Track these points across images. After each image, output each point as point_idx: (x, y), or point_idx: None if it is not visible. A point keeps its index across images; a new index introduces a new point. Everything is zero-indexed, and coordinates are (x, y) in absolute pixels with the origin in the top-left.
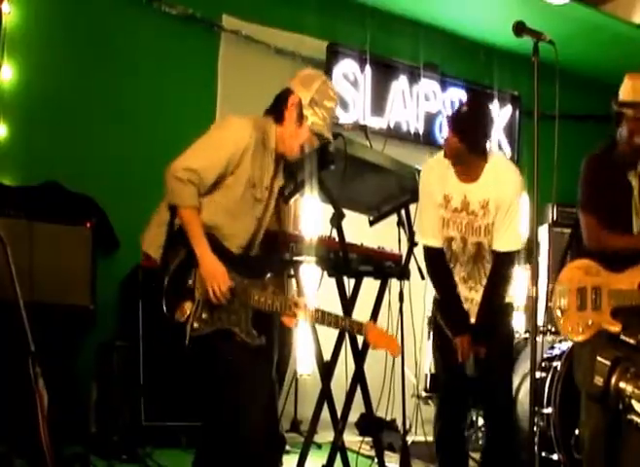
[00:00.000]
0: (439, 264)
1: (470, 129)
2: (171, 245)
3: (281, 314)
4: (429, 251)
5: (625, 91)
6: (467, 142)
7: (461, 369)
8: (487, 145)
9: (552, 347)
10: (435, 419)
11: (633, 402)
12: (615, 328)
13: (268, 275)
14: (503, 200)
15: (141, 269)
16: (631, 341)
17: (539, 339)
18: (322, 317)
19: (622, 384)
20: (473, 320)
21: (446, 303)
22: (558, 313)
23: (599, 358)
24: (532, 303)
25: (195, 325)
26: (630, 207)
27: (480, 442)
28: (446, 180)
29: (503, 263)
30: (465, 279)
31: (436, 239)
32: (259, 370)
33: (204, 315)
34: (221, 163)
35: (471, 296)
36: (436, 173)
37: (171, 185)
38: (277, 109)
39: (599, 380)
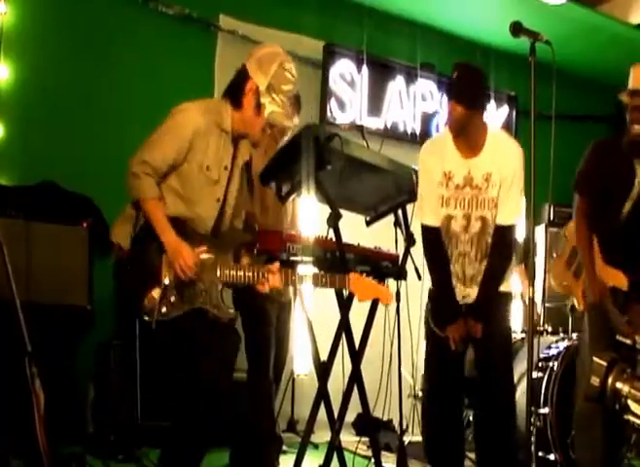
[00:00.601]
0: (436, 243)
1: (472, 93)
2: (140, 238)
3: (254, 284)
4: (427, 230)
5: (632, 81)
6: (472, 107)
7: (454, 368)
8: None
9: (549, 347)
10: (424, 421)
11: (630, 402)
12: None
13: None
14: (506, 173)
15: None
16: (628, 342)
17: (536, 338)
18: (299, 279)
19: (618, 385)
20: (464, 299)
21: (440, 286)
22: (554, 254)
23: (595, 359)
24: (529, 303)
25: (164, 309)
26: (628, 193)
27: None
28: (447, 157)
29: (504, 236)
30: (465, 255)
31: (435, 218)
32: (225, 345)
33: (173, 298)
34: (172, 151)
35: (468, 270)
36: (435, 152)
37: (129, 182)
38: (234, 94)
39: (596, 381)
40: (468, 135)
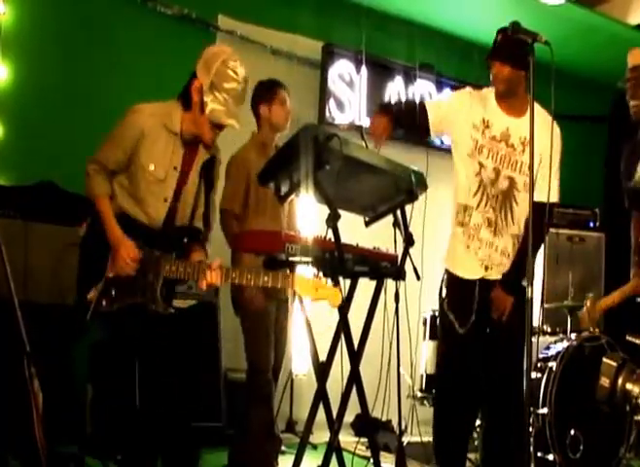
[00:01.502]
0: None
1: (519, 52)
2: (89, 233)
3: (196, 280)
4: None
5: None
6: (519, 66)
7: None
8: None
9: (548, 348)
10: (436, 425)
11: None
12: None
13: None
14: (545, 148)
15: None
16: (637, 342)
17: (534, 339)
18: (240, 276)
19: (628, 386)
20: (492, 269)
21: None
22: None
23: (605, 359)
24: (528, 303)
25: (104, 302)
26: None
27: (476, 442)
28: (489, 107)
29: (541, 214)
30: (490, 221)
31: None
32: (162, 338)
33: (113, 292)
34: (119, 150)
35: (495, 241)
36: (477, 98)
37: (85, 181)
38: (185, 95)
39: (605, 382)
40: (513, 96)
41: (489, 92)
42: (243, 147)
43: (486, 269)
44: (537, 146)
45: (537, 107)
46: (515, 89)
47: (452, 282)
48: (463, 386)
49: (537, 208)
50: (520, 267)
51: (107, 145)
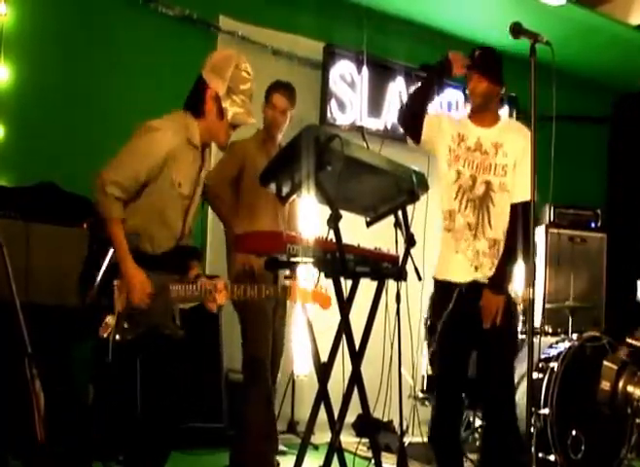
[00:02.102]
0: None
1: (497, 69)
2: (94, 255)
3: (203, 302)
4: None
5: None
6: (496, 82)
7: (457, 367)
8: None
9: (550, 348)
10: (433, 419)
11: None
12: None
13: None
14: (518, 149)
15: None
16: (638, 344)
17: (536, 339)
18: (244, 292)
19: (629, 388)
20: (476, 271)
21: None
22: None
23: (606, 362)
24: (529, 304)
25: (118, 337)
26: None
27: (478, 442)
28: (462, 123)
29: (519, 214)
30: (470, 225)
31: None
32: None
33: (125, 325)
34: (144, 170)
35: (475, 245)
36: (452, 117)
37: (99, 197)
38: (195, 104)
39: (606, 385)
40: (486, 110)
41: (461, 115)
42: (245, 138)
43: (476, 269)
44: (512, 150)
45: (507, 118)
46: (489, 104)
47: (441, 292)
48: (447, 383)
49: (517, 210)
50: (506, 268)
51: (128, 164)
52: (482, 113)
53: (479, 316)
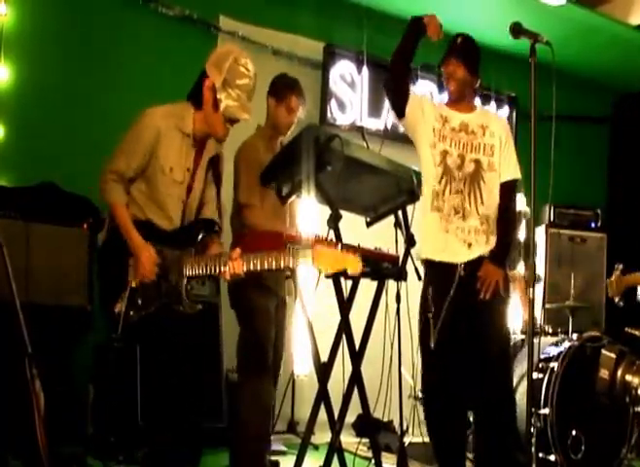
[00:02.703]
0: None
1: (475, 56)
2: (108, 242)
3: (218, 273)
4: None
5: None
6: (474, 72)
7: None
8: None
9: (550, 348)
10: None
11: None
12: None
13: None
14: (501, 131)
15: None
16: (637, 334)
17: (536, 339)
18: (260, 261)
19: (628, 377)
20: (469, 248)
21: None
22: None
23: (604, 351)
24: (529, 303)
25: (132, 313)
26: None
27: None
28: (443, 108)
29: (509, 193)
30: (457, 208)
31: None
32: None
33: (139, 300)
34: (135, 156)
35: (465, 226)
36: (431, 100)
37: (100, 186)
38: (196, 95)
39: (605, 374)
40: (462, 100)
41: (438, 102)
42: (250, 139)
43: (469, 246)
44: (497, 131)
45: (482, 107)
46: (464, 93)
47: (434, 273)
48: (447, 384)
49: (506, 189)
50: (506, 242)
51: (123, 152)
52: (459, 101)
53: (478, 306)
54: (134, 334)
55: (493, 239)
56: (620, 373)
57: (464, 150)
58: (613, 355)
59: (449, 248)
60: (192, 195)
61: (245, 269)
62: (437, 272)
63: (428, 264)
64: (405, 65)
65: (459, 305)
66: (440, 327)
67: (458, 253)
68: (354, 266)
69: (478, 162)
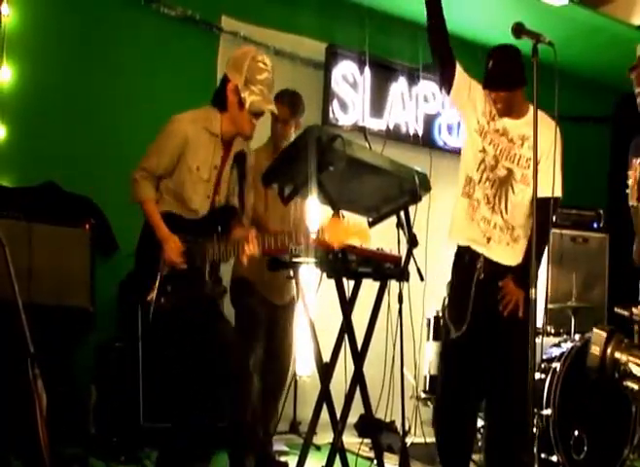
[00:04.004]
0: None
1: (511, 74)
2: (143, 237)
3: (238, 255)
4: None
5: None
6: (514, 87)
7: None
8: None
9: (552, 348)
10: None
11: (631, 366)
12: None
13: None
14: (545, 146)
15: None
16: (625, 314)
17: (538, 340)
18: (274, 241)
19: (617, 354)
20: (489, 244)
21: None
22: None
23: (596, 330)
24: (531, 304)
25: (162, 299)
26: None
27: (480, 443)
28: (493, 105)
29: (542, 210)
30: (488, 199)
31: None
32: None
33: (169, 287)
34: (165, 156)
35: (492, 219)
36: (483, 90)
37: (131, 187)
38: (219, 99)
39: (596, 350)
40: (512, 111)
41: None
42: (258, 148)
43: (488, 240)
44: (540, 143)
45: (541, 112)
46: (512, 108)
47: (464, 259)
48: (462, 386)
49: (540, 204)
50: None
51: (153, 153)
52: (510, 113)
53: (497, 311)
54: (163, 321)
55: (513, 250)
56: (609, 350)
57: (500, 154)
58: (604, 333)
59: (471, 236)
60: (220, 190)
61: (260, 249)
62: (460, 260)
63: (458, 247)
64: (434, 26)
65: (479, 306)
66: (459, 324)
67: (477, 243)
68: (364, 237)
69: (510, 171)
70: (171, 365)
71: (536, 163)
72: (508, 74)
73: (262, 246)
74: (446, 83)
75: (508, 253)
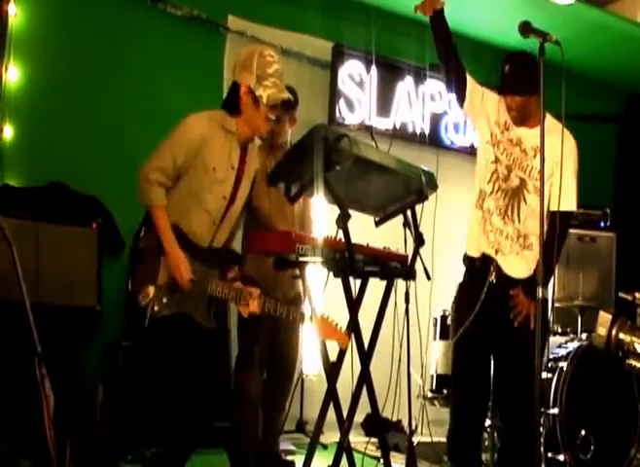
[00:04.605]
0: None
1: (527, 79)
2: (143, 234)
3: (236, 304)
4: None
5: None
6: (530, 92)
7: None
8: None
9: (559, 348)
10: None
11: (637, 345)
12: None
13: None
14: (554, 157)
15: None
16: (629, 298)
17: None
18: (274, 307)
19: (621, 335)
20: (502, 255)
21: None
22: None
23: (602, 312)
24: (538, 303)
25: (156, 308)
26: None
27: (486, 442)
28: (507, 115)
29: (556, 223)
30: (500, 209)
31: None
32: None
33: (165, 299)
34: (180, 155)
35: (504, 229)
36: (502, 103)
37: (142, 185)
38: (231, 104)
39: (602, 331)
40: (527, 119)
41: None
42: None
43: (496, 252)
44: (552, 156)
45: (550, 118)
46: (528, 115)
47: (470, 263)
48: (474, 385)
49: (556, 218)
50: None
51: (168, 151)
52: (524, 120)
53: (507, 315)
54: (156, 329)
55: (525, 258)
56: (614, 331)
57: (513, 163)
58: (609, 316)
59: (479, 247)
60: (239, 191)
61: (260, 309)
62: (472, 264)
63: (466, 259)
64: (442, 45)
65: (488, 308)
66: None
67: (488, 252)
68: (343, 341)
69: (523, 181)
70: (166, 370)
71: (542, 167)
72: (525, 79)
73: (263, 306)
74: (459, 95)
75: (518, 262)
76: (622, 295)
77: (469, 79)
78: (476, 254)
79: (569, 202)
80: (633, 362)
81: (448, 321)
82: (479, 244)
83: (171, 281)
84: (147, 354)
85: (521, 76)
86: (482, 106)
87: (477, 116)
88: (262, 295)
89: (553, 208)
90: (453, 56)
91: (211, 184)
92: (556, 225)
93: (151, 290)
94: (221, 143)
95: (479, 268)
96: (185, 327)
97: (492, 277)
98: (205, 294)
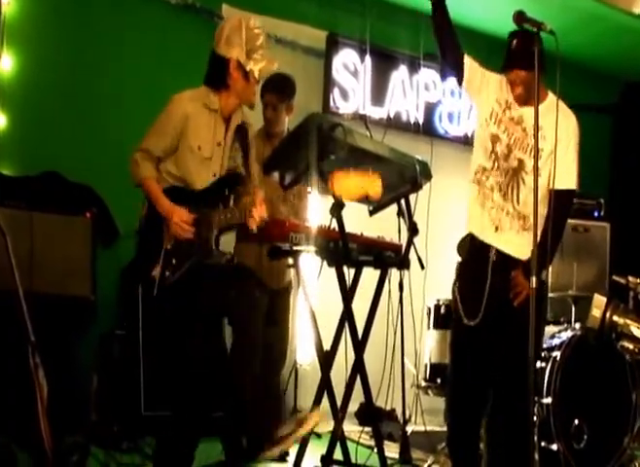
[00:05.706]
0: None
1: (532, 55)
2: (147, 218)
3: (245, 221)
4: None
5: None
6: (541, 67)
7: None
8: None
9: (553, 337)
10: (448, 418)
11: (632, 328)
12: None
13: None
14: (560, 136)
15: None
16: (622, 282)
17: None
18: (282, 198)
19: (615, 317)
20: (502, 232)
21: None
22: None
23: (597, 295)
24: (532, 294)
25: (167, 273)
26: None
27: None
28: (510, 93)
29: (561, 201)
30: (501, 186)
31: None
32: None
33: (173, 260)
34: (165, 136)
35: (505, 206)
36: (504, 82)
37: (130, 169)
38: (215, 79)
39: (597, 313)
40: (531, 97)
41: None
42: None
43: (496, 229)
44: (551, 135)
45: (554, 98)
46: (533, 90)
47: (470, 246)
48: (472, 374)
49: (558, 197)
50: (542, 257)
51: (153, 134)
52: (528, 98)
53: (509, 299)
54: (168, 294)
55: (525, 238)
56: (608, 313)
57: (514, 143)
58: (603, 299)
59: (478, 224)
60: (224, 165)
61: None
62: (472, 242)
63: (471, 237)
64: (440, 31)
65: (493, 293)
66: (472, 312)
67: (484, 232)
68: (374, 188)
69: (521, 162)
70: (175, 344)
71: (537, 150)
72: (531, 54)
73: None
74: (457, 72)
75: (518, 241)
76: (615, 278)
77: (466, 56)
78: (476, 232)
79: (570, 181)
80: (626, 343)
81: (442, 310)
82: (478, 221)
83: (176, 241)
84: (157, 322)
85: (526, 50)
86: (482, 83)
87: (477, 92)
88: (266, 199)
89: (559, 186)
90: (451, 34)
91: (198, 163)
92: (560, 203)
93: (160, 260)
94: (205, 121)
95: (479, 246)
96: (199, 276)
97: (493, 255)
98: (212, 229)
